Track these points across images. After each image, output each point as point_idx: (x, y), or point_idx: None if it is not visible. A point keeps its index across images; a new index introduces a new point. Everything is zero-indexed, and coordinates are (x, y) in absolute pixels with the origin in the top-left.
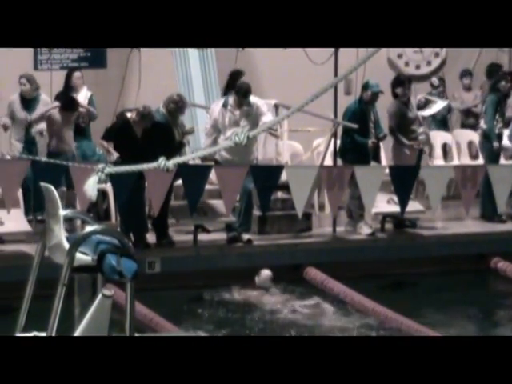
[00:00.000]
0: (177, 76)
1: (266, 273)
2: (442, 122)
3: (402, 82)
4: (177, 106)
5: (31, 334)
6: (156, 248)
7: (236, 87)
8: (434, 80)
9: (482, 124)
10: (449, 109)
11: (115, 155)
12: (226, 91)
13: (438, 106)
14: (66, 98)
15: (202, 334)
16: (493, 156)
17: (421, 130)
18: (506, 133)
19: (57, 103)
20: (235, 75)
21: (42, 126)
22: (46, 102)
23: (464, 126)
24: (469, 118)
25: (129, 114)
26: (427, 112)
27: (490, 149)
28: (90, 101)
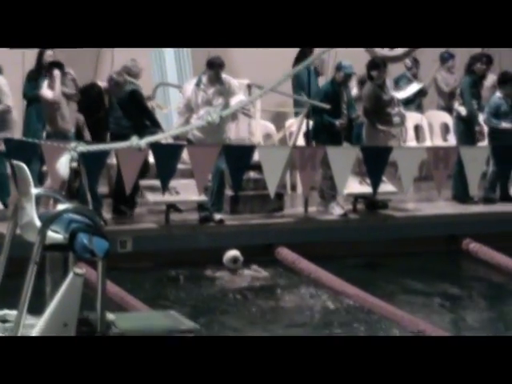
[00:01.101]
0: (150, 55)
1: (229, 254)
2: (414, 103)
3: (377, 65)
4: (132, 71)
5: (2, 313)
6: (128, 227)
7: (208, 62)
8: (407, 62)
9: (457, 106)
10: (423, 91)
11: (87, 133)
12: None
13: (413, 88)
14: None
15: (173, 313)
16: (466, 138)
17: (395, 111)
18: (481, 116)
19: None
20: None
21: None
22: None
23: (449, 108)
24: (452, 100)
25: (100, 83)
26: (402, 94)
27: (464, 130)
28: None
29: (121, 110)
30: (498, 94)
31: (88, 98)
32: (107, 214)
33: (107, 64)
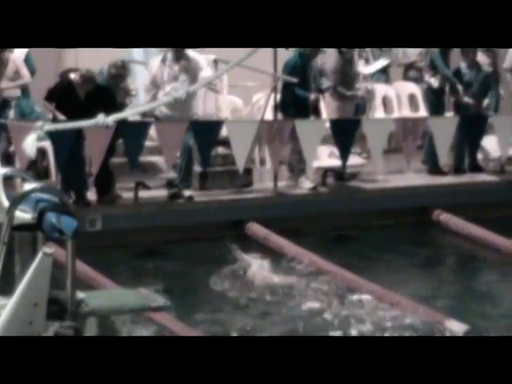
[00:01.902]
0: None
1: None
2: (382, 73)
3: None
4: (117, 71)
5: None
6: (97, 205)
7: None
8: None
9: (427, 78)
10: (389, 66)
11: (61, 117)
12: None
13: (380, 63)
14: None
15: (143, 290)
16: (436, 109)
17: (358, 85)
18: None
19: None
20: None
21: None
22: None
23: (406, 79)
24: (410, 71)
25: (72, 75)
26: (368, 69)
27: (433, 102)
28: (28, 56)
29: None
30: (463, 63)
31: (58, 87)
32: (92, 195)
33: (71, 64)
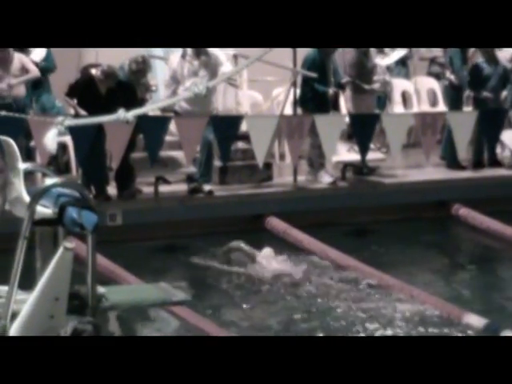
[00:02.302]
0: None
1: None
2: (402, 66)
3: None
4: (138, 67)
5: None
6: (117, 200)
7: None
8: None
9: (449, 75)
10: (407, 57)
11: (82, 112)
12: None
13: (397, 54)
14: None
15: (164, 285)
16: (457, 105)
17: (379, 78)
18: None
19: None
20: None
21: None
22: None
23: (429, 73)
24: (433, 66)
25: (93, 71)
26: (386, 61)
27: (454, 98)
28: (48, 52)
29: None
30: (481, 58)
31: (80, 82)
32: (112, 190)
33: (91, 59)
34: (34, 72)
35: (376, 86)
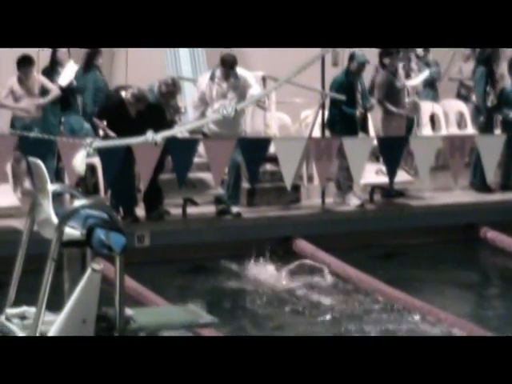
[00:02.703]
0: (164, 49)
1: None
2: (430, 89)
3: (389, 53)
4: (168, 89)
5: (21, 310)
6: (145, 222)
7: (221, 59)
8: (420, 51)
9: (474, 98)
10: (435, 77)
11: (111, 134)
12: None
13: (424, 75)
14: (20, 56)
15: (191, 306)
16: (486, 128)
17: (408, 99)
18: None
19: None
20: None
21: None
22: None
23: (458, 96)
24: (462, 89)
25: (123, 93)
26: (414, 81)
27: (482, 121)
28: (77, 74)
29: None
30: (510, 81)
31: (110, 105)
32: (141, 211)
33: (122, 64)
34: (55, 91)
35: (405, 108)
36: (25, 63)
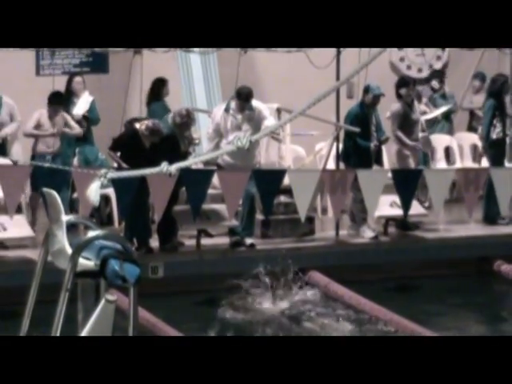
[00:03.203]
0: (179, 81)
1: None
2: (446, 121)
3: (406, 83)
4: (182, 120)
5: None
6: (159, 253)
7: (237, 92)
8: (435, 83)
9: (481, 130)
10: (451, 111)
11: (125, 166)
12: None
13: (444, 108)
14: (52, 92)
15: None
16: (497, 160)
17: (421, 134)
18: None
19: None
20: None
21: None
22: (10, 106)
23: (471, 128)
24: (473, 121)
25: (137, 125)
26: (429, 115)
27: (494, 152)
28: (92, 105)
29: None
30: None
31: (124, 136)
32: (155, 242)
33: (137, 89)
34: (78, 129)
35: (418, 142)
36: (56, 99)
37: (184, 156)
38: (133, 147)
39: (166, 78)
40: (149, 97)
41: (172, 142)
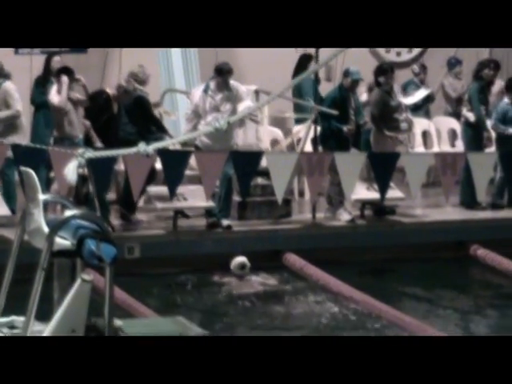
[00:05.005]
0: (158, 61)
1: (236, 260)
2: (422, 109)
3: (384, 71)
4: (137, 78)
5: (9, 319)
6: (135, 233)
7: (217, 68)
8: (415, 67)
9: (465, 112)
10: (430, 97)
11: (98, 144)
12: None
13: (421, 93)
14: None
15: (181, 319)
16: (475, 144)
17: (403, 117)
18: (488, 122)
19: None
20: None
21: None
22: (7, 93)
23: (456, 114)
24: (460, 106)
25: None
26: (410, 100)
27: (472, 136)
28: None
29: (127, 117)
30: (506, 99)
31: (96, 104)
32: (115, 220)
33: (115, 68)
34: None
35: (403, 125)
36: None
37: (160, 126)
38: (105, 113)
39: None
40: None
41: (142, 103)
